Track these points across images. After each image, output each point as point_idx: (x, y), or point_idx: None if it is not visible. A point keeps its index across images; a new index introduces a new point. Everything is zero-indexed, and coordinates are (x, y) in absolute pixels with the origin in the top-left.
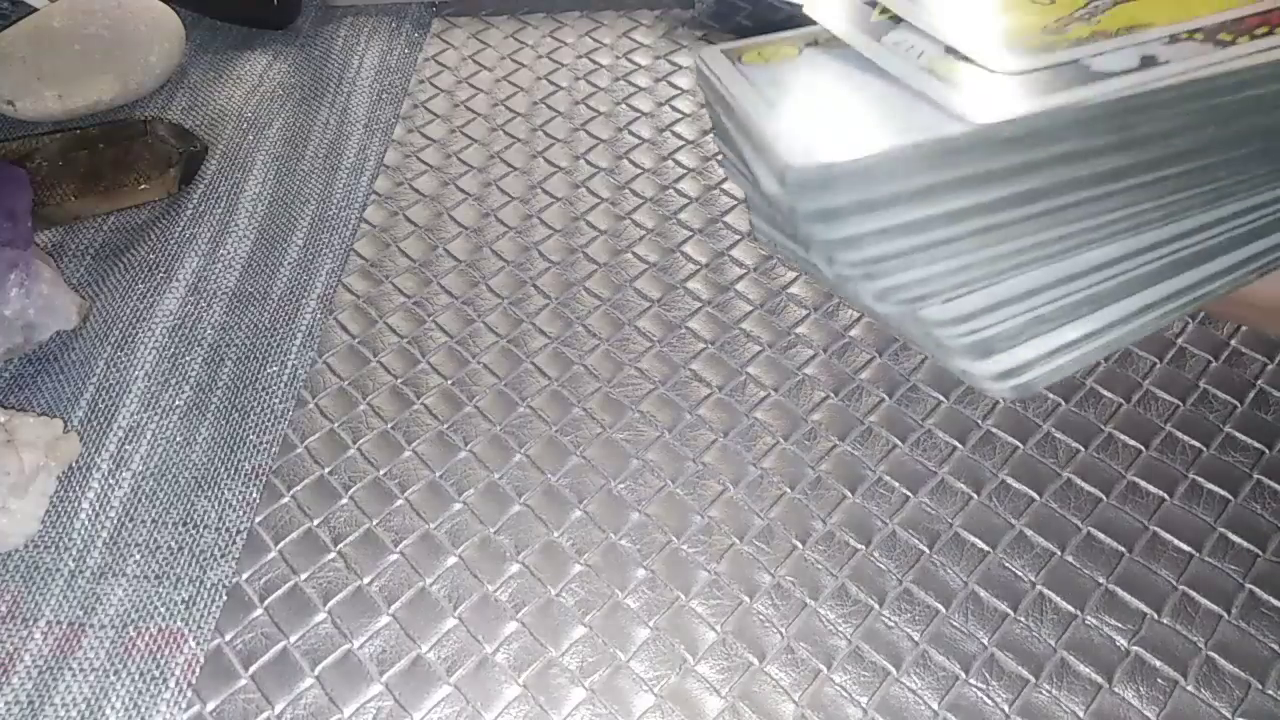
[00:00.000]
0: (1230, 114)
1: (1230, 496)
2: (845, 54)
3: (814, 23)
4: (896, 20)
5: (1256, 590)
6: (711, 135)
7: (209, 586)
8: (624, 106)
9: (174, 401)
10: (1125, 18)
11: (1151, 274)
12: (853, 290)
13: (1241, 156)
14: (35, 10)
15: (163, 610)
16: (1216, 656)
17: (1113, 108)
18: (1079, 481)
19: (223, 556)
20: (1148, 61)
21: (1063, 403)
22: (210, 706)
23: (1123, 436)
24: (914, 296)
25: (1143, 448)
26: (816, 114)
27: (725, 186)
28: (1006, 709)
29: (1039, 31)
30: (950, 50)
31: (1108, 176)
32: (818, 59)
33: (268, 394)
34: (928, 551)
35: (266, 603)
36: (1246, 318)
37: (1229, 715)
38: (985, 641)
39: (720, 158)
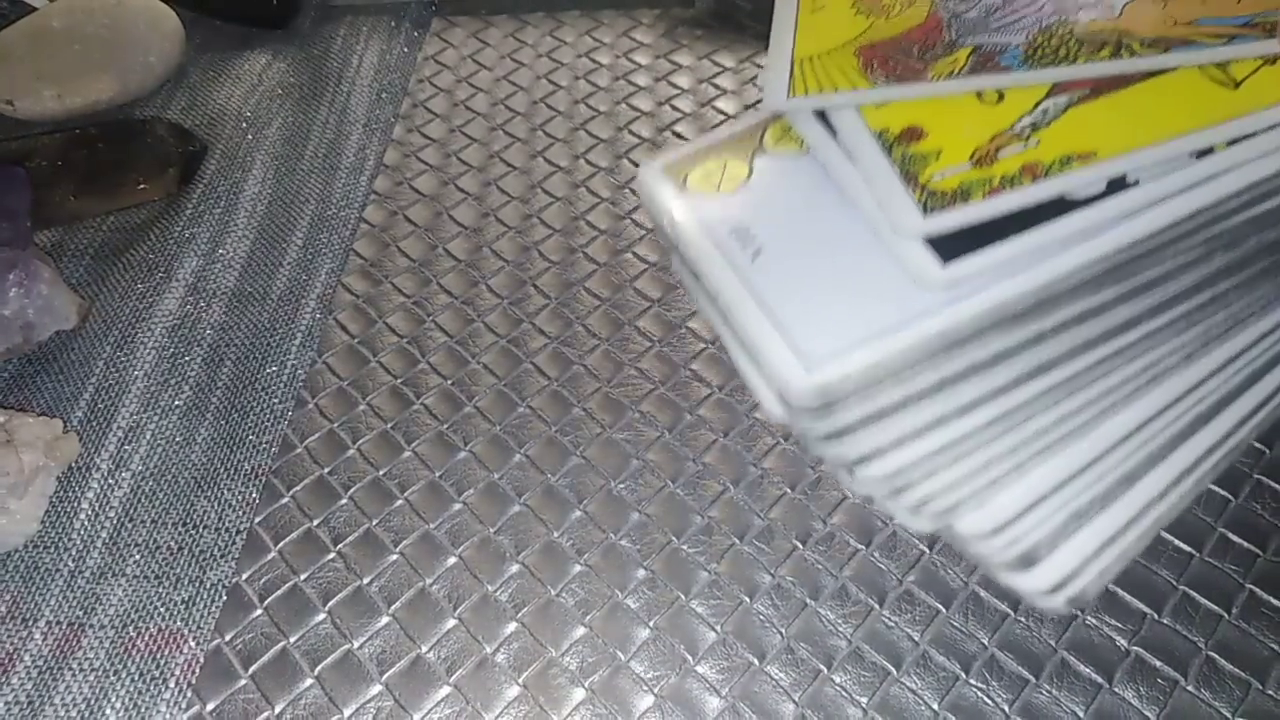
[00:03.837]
0: (1235, 237)
1: (1230, 497)
2: (797, 164)
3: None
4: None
5: (1257, 590)
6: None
7: (209, 586)
8: (624, 106)
9: (174, 401)
10: (1066, 142)
11: (1177, 435)
12: (883, 506)
13: (1249, 277)
14: (35, 10)
15: (163, 610)
16: (1217, 656)
17: (1113, 260)
18: None
19: (223, 556)
20: (1115, 185)
21: None
22: (210, 706)
23: None
24: (946, 506)
25: None
26: (797, 300)
27: None
28: (1006, 709)
29: (968, 159)
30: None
31: (1119, 329)
32: (771, 181)
33: (267, 394)
34: (928, 552)
35: (266, 603)
36: None
37: (1229, 715)
38: (985, 641)
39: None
